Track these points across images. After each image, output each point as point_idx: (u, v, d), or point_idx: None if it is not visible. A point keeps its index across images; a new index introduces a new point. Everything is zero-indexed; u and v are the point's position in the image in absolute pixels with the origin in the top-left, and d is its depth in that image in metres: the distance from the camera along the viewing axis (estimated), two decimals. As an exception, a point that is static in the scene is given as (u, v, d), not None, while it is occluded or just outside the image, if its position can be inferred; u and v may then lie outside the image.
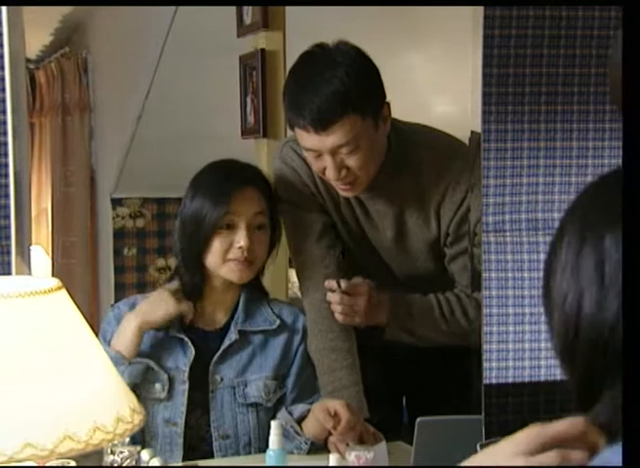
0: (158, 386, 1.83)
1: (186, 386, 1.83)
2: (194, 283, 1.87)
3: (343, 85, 1.71)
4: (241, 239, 1.81)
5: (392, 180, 1.88)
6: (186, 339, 1.86)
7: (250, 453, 1.86)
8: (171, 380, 1.84)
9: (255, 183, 1.86)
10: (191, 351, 1.85)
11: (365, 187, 1.84)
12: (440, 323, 1.91)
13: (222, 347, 1.87)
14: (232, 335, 1.87)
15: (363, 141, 1.74)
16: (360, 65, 1.76)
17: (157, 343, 1.87)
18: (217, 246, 1.82)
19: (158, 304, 1.83)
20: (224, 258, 1.82)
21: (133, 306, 1.89)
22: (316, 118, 1.70)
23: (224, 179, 1.83)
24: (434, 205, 1.89)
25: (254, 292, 1.94)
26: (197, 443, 1.86)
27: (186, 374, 1.84)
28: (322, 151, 1.75)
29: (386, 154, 1.85)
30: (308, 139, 1.75)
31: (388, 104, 1.80)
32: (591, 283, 0.78)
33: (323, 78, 1.72)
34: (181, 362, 1.85)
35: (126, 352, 1.80)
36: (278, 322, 1.91)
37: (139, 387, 1.81)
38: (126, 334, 1.80)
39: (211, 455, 1.85)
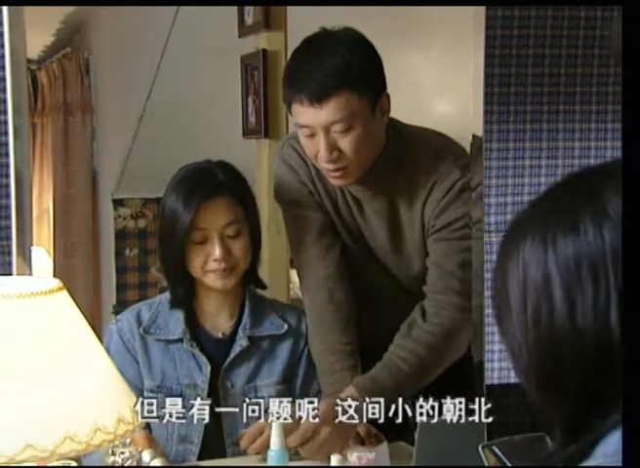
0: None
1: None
2: (182, 291, 1.85)
3: (343, 60, 1.70)
4: (215, 251, 1.79)
5: (387, 179, 1.87)
6: (200, 353, 1.84)
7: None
8: (186, 398, 1.81)
9: (224, 192, 1.81)
10: (206, 365, 1.84)
11: (357, 178, 1.82)
12: (416, 368, 1.84)
13: (233, 354, 1.85)
14: (242, 342, 1.86)
15: (357, 123, 1.73)
16: (363, 48, 1.75)
17: (170, 358, 1.84)
18: (194, 259, 1.80)
19: None
20: (204, 270, 1.81)
21: (138, 317, 1.86)
22: (313, 90, 1.69)
23: (192, 191, 1.79)
24: (420, 204, 1.88)
25: (256, 293, 1.92)
26: (214, 449, 1.84)
27: (205, 392, 1.81)
28: (315, 128, 1.73)
29: (383, 150, 1.84)
30: (303, 114, 1.73)
31: (388, 96, 1.80)
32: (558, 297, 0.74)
33: (324, 53, 1.72)
34: (199, 378, 1.83)
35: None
36: (286, 326, 1.90)
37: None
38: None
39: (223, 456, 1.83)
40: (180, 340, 1.84)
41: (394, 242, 1.94)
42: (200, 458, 1.82)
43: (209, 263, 1.80)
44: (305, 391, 1.89)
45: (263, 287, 1.96)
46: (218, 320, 1.89)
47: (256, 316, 1.89)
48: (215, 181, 1.82)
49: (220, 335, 1.88)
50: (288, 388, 1.87)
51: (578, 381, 0.75)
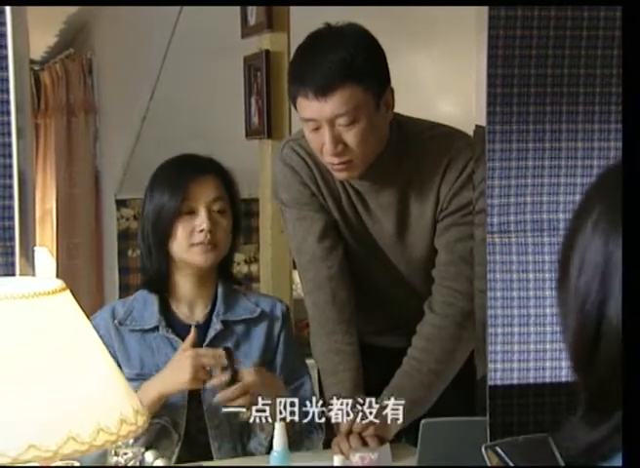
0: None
1: (186, 392, 1.83)
2: (161, 273, 1.89)
3: (348, 53, 1.71)
4: (202, 223, 1.85)
5: (393, 172, 1.87)
6: (177, 339, 1.86)
7: (242, 440, 1.86)
8: None
9: (211, 172, 1.91)
10: None
11: (362, 172, 1.83)
12: (434, 366, 1.87)
13: (208, 338, 1.88)
14: (217, 326, 1.89)
15: (362, 116, 1.73)
16: (367, 42, 1.77)
17: (148, 347, 1.87)
18: (180, 232, 1.85)
19: (181, 371, 1.76)
20: (189, 244, 1.86)
21: (112, 313, 1.91)
22: (317, 83, 1.70)
23: (181, 169, 1.90)
24: (434, 191, 1.88)
25: (229, 283, 1.96)
26: (196, 433, 1.86)
27: None
28: (320, 121, 1.74)
29: (387, 145, 1.85)
30: (308, 108, 1.74)
31: (392, 90, 1.80)
32: (615, 282, 0.73)
33: (328, 48, 1.73)
34: None
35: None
36: (259, 310, 1.94)
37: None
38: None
39: (208, 445, 1.85)
40: (156, 328, 1.88)
41: (403, 235, 1.94)
42: (186, 434, 1.84)
43: (194, 235, 1.85)
44: (285, 375, 1.92)
45: (238, 282, 2.02)
46: (192, 308, 1.93)
47: (229, 302, 1.93)
48: (202, 164, 1.92)
49: (194, 323, 1.91)
50: (268, 370, 1.89)
51: (605, 368, 0.75)
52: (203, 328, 1.90)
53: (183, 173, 1.89)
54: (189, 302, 1.93)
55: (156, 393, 1.76)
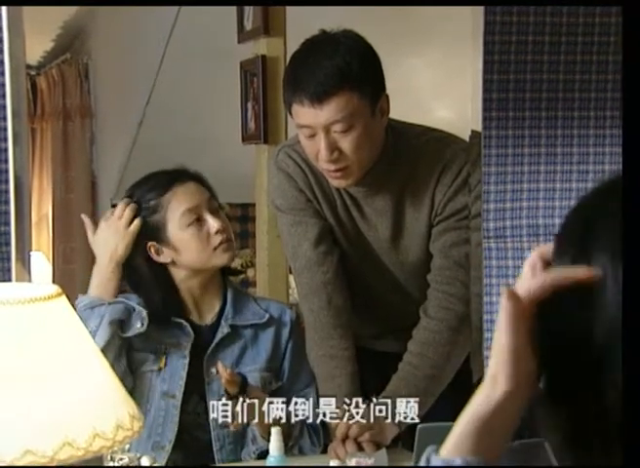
0: (152, 357, 1.85)
1: (187, 361, 1.85)
2: (175, 295, 1.91)
3: (343, 61, 1.71)
4: (214, 224, 1.87)
5: (388, 177, 1.87)
6: (185, 323, 1.88)
7: (242, 444, 1.87)
8: (169, 353, 1.86)
9: (190, 179, 1.92)
10: (190, 332, 1.88)
11: (357, 179, 1.83)
12: (430, 371, 1.87)
13: (215, 340, 1.89)
14: (224, 329, 1.90)
15: (358, 123, 1.74)
16: (362, 49, 1.77)
17: (157, 326, 1.87)
18: (196, 243, 1.86)
19: (114, 236, 1.88)
20: (212, 249, 1.86)
21: (92, 306, 1.89)
22: (313, 90, 1.71)
23: (168, 182, 1.90)
24: (429, 196, 1.88)
25: (235, 284, 1.98)
26: (196, 431, 1.87)
27: (187, 350, 1.86)
28: (316, 128, 1.74)
29: (382, 150, 1.85)
30: (303, 114, 1.74)
31: (387, 97, 1.81)
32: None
33: (324, 54, 1.73)
34: (183, 339, 1.87)
35: (106, 295, 1.87)
36: (267, 316, 1.94)
37: (134, 358, 1.83)
38: (102, 279, 1.88)
39: (209, 444, 1.85)
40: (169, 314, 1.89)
41: (398, 240, 1.94)
42: (186, 430, 1.85)
43: (212, 239, 1.86)
44: (292, 381, 1.93)
45: (239, 273, 2.05)
46: (200, 312, 1.93)
47: (237, 307, 1.94)
48: (183, 171, 1.93)
49: (203, 324, 1.92)
50: (275, 377, 1.90)
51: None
52: (211, 330, 1.91)
53: (177, 182, 1.89)
54: (199, 306, 1.93)
55: (108, 260, 1.88)
